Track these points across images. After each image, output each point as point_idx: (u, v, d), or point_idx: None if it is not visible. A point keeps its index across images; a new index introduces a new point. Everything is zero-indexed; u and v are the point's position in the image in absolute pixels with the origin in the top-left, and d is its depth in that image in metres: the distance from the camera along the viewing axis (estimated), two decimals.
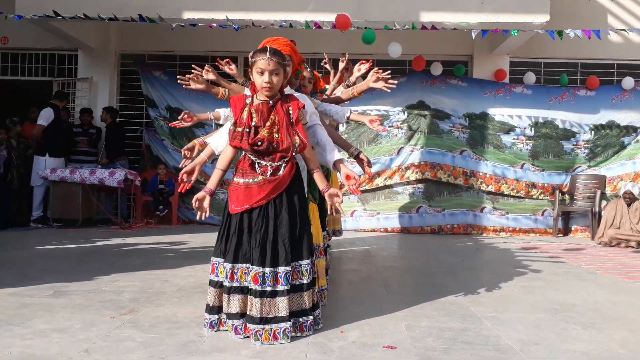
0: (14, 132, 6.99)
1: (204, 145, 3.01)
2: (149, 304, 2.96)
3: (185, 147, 2.94)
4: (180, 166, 3.12)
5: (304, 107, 2.51)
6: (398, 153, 7.33)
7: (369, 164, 2.83)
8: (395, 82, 3.14)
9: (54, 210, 6.75)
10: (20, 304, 2.91)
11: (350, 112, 3.10)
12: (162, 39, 7.80)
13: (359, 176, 2.53)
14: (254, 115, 2.42)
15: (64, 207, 6.69)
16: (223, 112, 3.11)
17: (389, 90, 3.11)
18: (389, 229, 7.20)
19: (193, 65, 3.34)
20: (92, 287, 3.37)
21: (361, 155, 2.89)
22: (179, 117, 3.11)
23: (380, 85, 3.06)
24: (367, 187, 7.26)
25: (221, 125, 3.03)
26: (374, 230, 7.19)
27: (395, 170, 7.28)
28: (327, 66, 4.17)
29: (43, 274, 3.76)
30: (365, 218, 7.27)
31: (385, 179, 7.28)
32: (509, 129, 7.46)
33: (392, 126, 7.43)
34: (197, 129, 7.41)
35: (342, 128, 6.47)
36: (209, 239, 5.75)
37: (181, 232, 6.44)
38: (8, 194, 6.64)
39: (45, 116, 6.79)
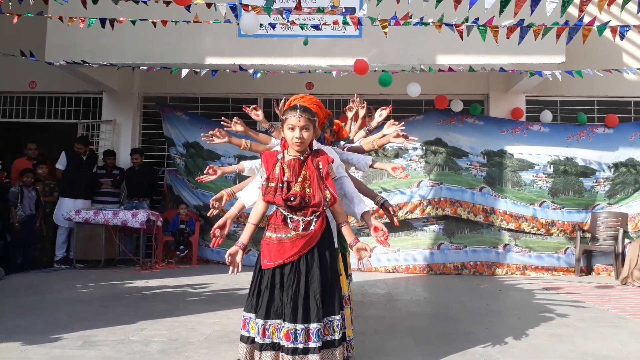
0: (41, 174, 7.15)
1: (231, 195, 3.08)
2: (178, 356, 2.97)
3: (214, 197, 3.01)
4: (208, 215, 3.18)
5: (333, 161, 2.58)
6: (418, 186, 7.31)
7: (396, 214, 2.86)
8: (416, 138, 3.21)
9: (77, 251, 6.83)
10: (51, 356, 2.93)
11: (373, 161, 3.17)
12: (183, 82, 7.89)
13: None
14: (286, 170, 2.48)
15: (87, 248, 6.77)
16: (247, 165, 3.17)
17: (409, 147, 3.19)
18: (411, 266, 7.14)
19: (223, 118, 3.45)
20: (119, 336, 3.39)
21: (387, 205, 2.93)
22: (204, 172, 3.19)
23: (400, 141, 3.13)
24: (387, 220, 7.18)
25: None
26: (395, 268, 7.13)
27: (416, 205, 7.24)
28: (348, 113, 4.21)
29: (70, 321, 3.80)
30: (385, 255, 7.21)
31: (407, 213, 7.23)
32: (527, 166, 7.44)
33: (410, 160, 7.44)
34: (211, 160, 7.51)
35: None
36: (229, 281, 5.77)
37: (202, 273, 6.46)
38: (34, 235, 6.75)
39: (60, 161, 7.28)
